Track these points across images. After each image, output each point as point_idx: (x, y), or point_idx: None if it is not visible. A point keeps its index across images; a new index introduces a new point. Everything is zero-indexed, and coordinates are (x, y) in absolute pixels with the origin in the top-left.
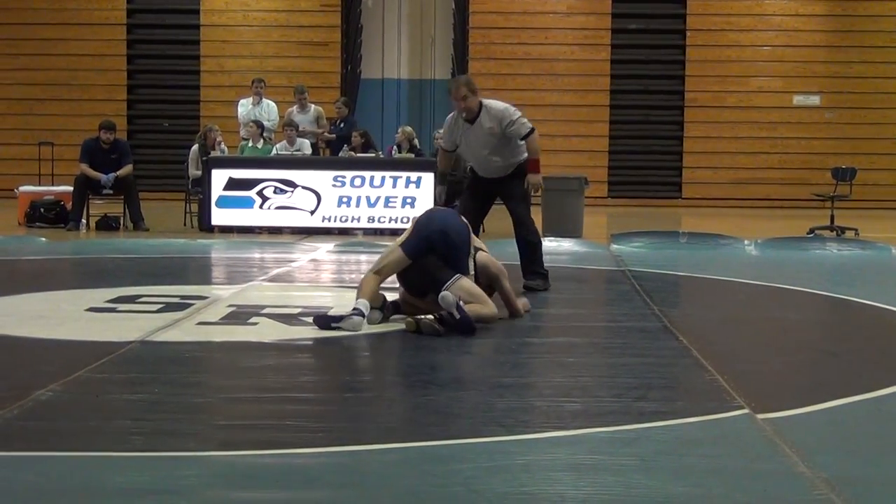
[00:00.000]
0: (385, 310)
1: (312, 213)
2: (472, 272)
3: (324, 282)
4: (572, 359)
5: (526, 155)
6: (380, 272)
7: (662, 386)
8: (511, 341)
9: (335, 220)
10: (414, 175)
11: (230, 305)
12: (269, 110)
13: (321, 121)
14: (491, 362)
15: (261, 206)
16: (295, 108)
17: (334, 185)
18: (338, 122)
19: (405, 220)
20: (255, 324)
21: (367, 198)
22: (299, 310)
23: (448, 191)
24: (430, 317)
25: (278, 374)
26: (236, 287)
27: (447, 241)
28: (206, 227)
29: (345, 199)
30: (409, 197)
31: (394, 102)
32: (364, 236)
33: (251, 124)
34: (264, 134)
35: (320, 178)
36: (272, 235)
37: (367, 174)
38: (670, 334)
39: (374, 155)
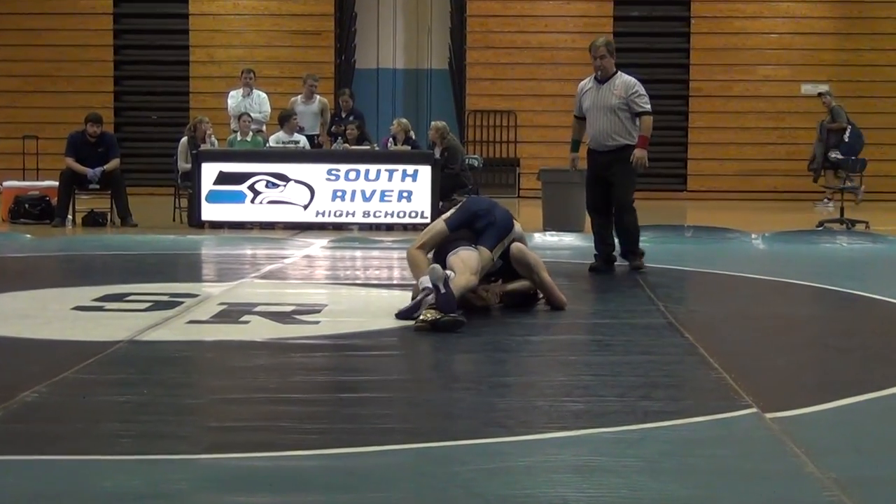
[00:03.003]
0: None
1: (306, 207)
2: (494, 258)
3: (318, 279)
4: (574, 357)
5: (631, 141)
6: (423, 245)
7: (667, 385)
8: (511, 339)
9: (329, 215)
10: (410, 168)
11: (221, 303)
12: (259, 101)
13: (325, 114)
14: (491, 361)
15: (252, 201)
16: (300, 97)
17: (328, 179)
18: (343, 114)
19: (401, 214)
20: (247, 322)
21: (363, 192)
22: (292, 308)
23: (444, 184)
24: (433, 313)
25: (271, 374)
26: (227, 284)
27: (489, 217)
28: (195, 222)
29: (339, 194)
30: (405, 191)
31: (389, 93)
32: (359, 231)
33: (245, 118)
34: (253, 126)
35: (314, 172)
36: (264, 231)
37: (362, 167)
38: (675, 331)
39: (369, 147)
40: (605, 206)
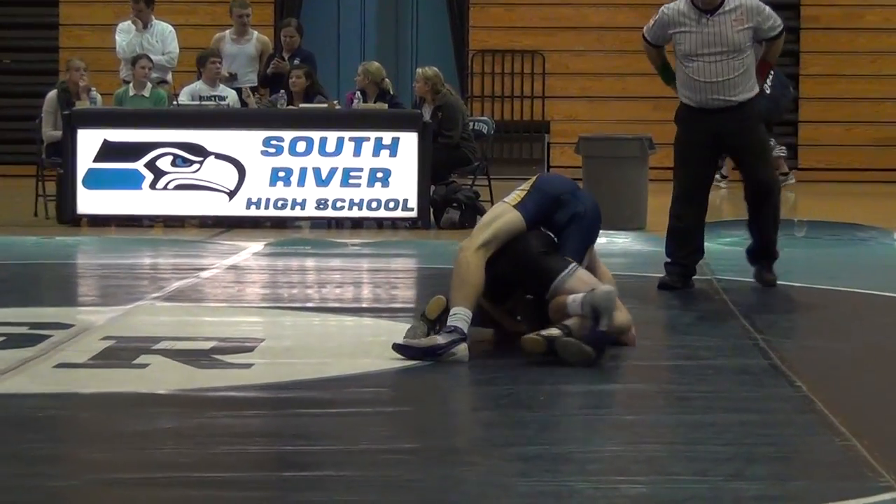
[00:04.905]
0: (440, 322)
1: (232, 195)
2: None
3: (250, 300)
4: (633, 416)
5: (756, 88)
6: (487, 245)
7: (770, 457)
8: (539, 389)
9: (267, 206)
10: (387, 136)
11: (106, 338)
12: (162, 38)
13: (265, 58)
14: (508, 422)
15: (153, 186)
16: (228, 33)
17: (265, 153)
18: (286, 55)
19: (374, 204)
20: (145, 366)
21: (316, 171)
22: (212, 344)
23: (438, 160)
24: (556, 330)
25: (181, 443)
26: (116, 310)
27: (575, 206)
28: (68, 217)
29: (281, 174)
30: (379, 169)
31: (356, 26)
32: (312, 231)
33: (143, 63)
34: (154, 74)
35: (244, 142)
36: (170, 230)
37: (315, 135)
38: (781, 377)
39: (325, 105)
40: (703, 191)
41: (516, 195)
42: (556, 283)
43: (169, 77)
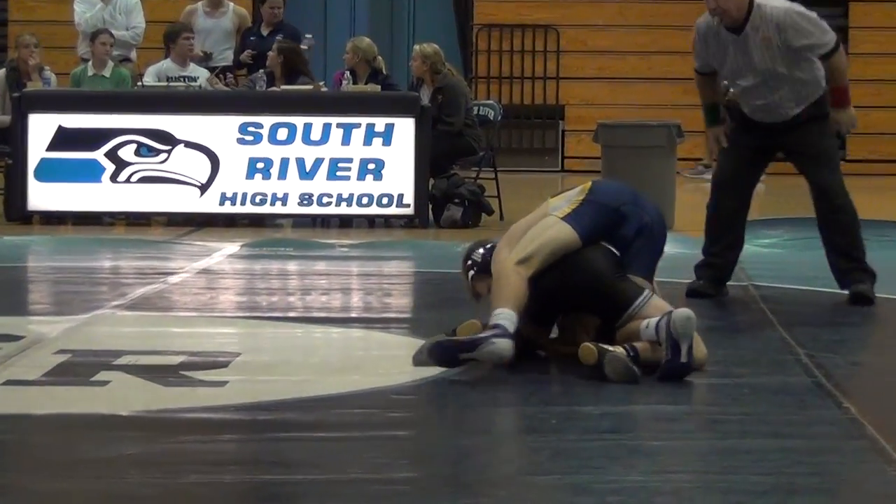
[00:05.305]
0: None
1: (204, 188)
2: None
3: (224, 308)
4: (658, 441)
5: (824, 85)
6: (529, 261)
7: (814, 488)
8: (550, 410)
9: (244, 202)
10: (380, 122)
11: (61, 351)
12: (126, 10)
13: (242, 33)
14: (518, 447)
15: (114, 178)
16: (201, 5)
17: (242, 141)
18: (265, 31)
19: (366, 200)
20: (105, 383)
21: (299, 162)
22: (182, 358)
23: (438, 149)
24: (621, 349)
25: (147, 471)
26: (72, 319)
27: (639, 217)
28: (17, 213)
29: (260, 165)
30: (371, 160)
31: None
32: (294, 230)
33: (104, 38)
34: (117, 52)
35: (217, 129)
36: (134, 228)
37: (298, 121)
38: (827, 397)
39: (309, 87)
40: (747, 181)
41: (567, 207)
42: (631, 311)
43: (133, 55)
